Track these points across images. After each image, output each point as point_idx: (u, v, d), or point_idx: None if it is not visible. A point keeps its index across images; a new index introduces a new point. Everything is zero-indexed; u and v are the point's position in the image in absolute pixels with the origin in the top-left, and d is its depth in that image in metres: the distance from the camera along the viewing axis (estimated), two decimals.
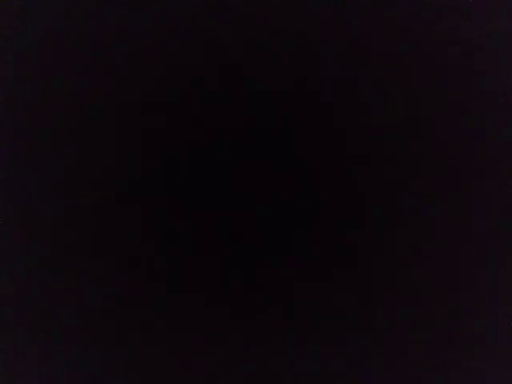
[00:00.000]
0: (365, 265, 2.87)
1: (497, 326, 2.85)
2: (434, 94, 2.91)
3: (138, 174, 2.90)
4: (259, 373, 2.85)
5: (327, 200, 2.88)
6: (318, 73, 2.91)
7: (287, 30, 2.91)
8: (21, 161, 2.91)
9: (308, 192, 2.89)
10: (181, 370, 2.86)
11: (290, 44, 2.91)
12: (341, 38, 2.91)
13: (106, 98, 2.92)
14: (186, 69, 2.92)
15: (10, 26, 2.92)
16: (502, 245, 2.86)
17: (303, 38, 2.91)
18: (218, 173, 2.90)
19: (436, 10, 2.91)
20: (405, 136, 2.90)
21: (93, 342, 2.86)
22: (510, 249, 2.86)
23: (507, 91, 2.90)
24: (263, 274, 2.87)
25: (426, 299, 2.86)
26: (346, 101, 2.91)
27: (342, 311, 2.86)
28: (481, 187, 2.89)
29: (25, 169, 2.91)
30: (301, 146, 2.90)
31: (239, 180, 2.89)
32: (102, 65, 2.92)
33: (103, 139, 2.91)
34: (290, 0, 2.91)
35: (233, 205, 2.89)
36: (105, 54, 2.92)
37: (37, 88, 2.93)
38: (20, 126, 2.92)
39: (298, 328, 2.86)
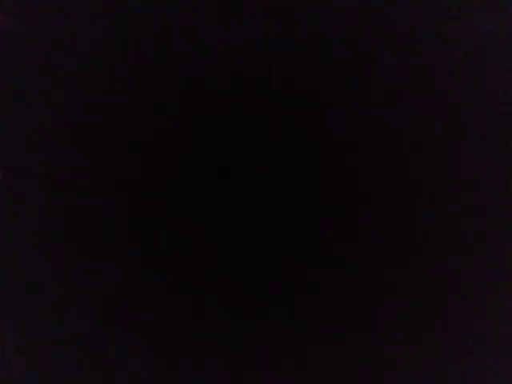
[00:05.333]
0: (364, 265, 2.88)
1: (497, 326, 2.85)
2: (433, 93, 2.92)
3: (138, 174, 2.91)
4: (258, 372, 2.86)
5: (327, 200, 2.89)
6: (318, 73, 2.92)
7: (287, 30, 2.92)
8: (21, 160, 2.92)
9: (307, 192, 2.89)
10: (179, 370, 2.87)
11: (290, 44, 2.92)
12: (341, 38, 2.92)
13: (105, 97, 2.93)
14: (186, 69, 2.93)
15: (10, 26, 2.92)
16: (502, 245, 2.87)
17: (303, 38, 2.92)
18: (215, 173, 2.90)
19: (436, 10, 2.92)
20: (404, 136, 2.91)
21: (92, 341, 2.87)
22: (510, 249, 2.87)
23: (507, 91, 2.90)
24: (262, 274, 2.88)
25: (425, 300, 2.87)
26: (345, 101, 2.91)
27: (341, 311, 2.87)
28: (481, 187, 2.90)
29: (24, 168, 2.91)
30: (300, 146, 2.90)
31: (236, 181, 2.90)
32: (102, 65, 2.93)
33: (102, 139, 2.92)
34: (291, 0, 2.92)
35: (231, 205, 2.90)
36: (105, 54, 2.93)
37: (37, 88, 2.93)
38: (20, 126, 2.93)
39: (297, 328, 2.87)
